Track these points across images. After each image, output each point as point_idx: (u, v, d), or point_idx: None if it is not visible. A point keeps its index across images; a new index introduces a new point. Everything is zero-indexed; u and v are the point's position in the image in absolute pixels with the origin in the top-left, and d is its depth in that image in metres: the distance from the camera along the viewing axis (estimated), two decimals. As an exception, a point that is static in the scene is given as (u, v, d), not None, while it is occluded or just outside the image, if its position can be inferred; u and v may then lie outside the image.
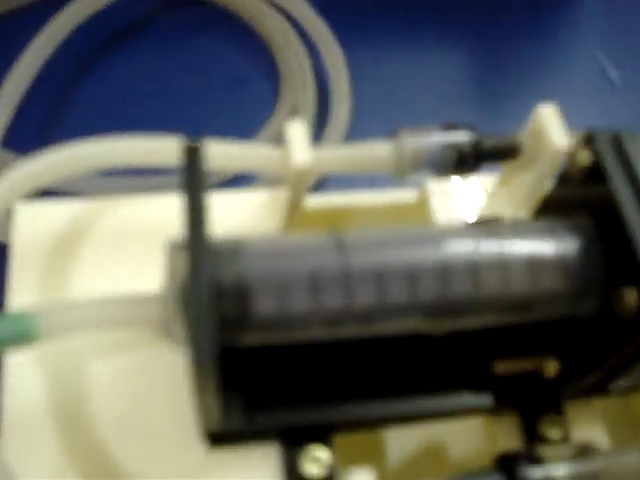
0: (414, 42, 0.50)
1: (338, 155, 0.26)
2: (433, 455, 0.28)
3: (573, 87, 0.50)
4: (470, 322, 0.23)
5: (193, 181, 0.20)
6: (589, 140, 0.24)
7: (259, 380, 0.24)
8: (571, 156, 0.25)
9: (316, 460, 0.23)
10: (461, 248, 0.22)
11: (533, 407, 0.26)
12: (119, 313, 0.22)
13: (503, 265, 0.22)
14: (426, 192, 0.30)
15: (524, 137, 0.27)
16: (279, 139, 0.27)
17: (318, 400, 0.24)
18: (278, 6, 0.47)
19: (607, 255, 0.23)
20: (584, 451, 0.24)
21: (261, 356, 0.24)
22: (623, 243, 0.22)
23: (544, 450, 0.23)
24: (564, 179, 0.25)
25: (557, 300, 0.23)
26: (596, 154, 0.23)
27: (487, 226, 0.23)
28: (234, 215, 0.28)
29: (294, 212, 0.28)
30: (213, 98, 0.46)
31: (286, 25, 0.47)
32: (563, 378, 0.25)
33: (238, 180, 0.42)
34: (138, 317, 0.22)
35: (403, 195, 0.31)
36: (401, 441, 0.28)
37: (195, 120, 0.44)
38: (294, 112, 0.45)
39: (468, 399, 0.25)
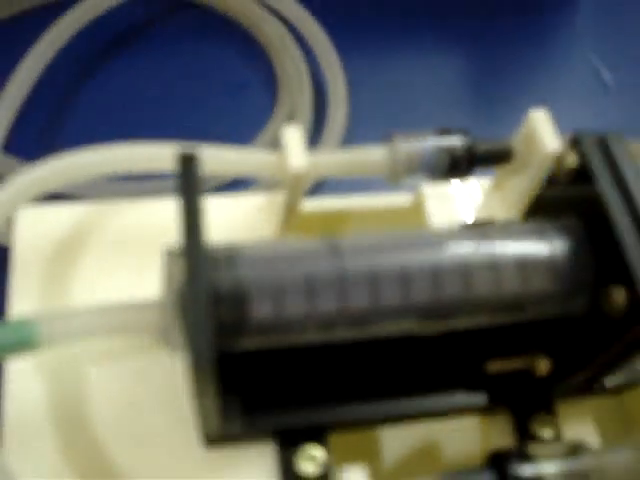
0: (410, 46, 0.51)
1: (333, 159, 0.27)
2: (427, 453, 0.28)
3: (567, 90, 0.50)
4: (463, 323, 0.24)
5: (189, 188, 0.20)
6: (575, 142, 0.24)
7: (256, 382, 0.24)
8: (558, 158, 0.25)
9: (311, 459, 0.24)
10: (453, 251, 0.23)
11: (525, 406, 0.26)
12: (118, 320, 0.22)
13: (494, 267, 0.23)
14: (421, 196, 0.31)
15: (517, 141, 0.27)
16: (277, 143, 0.28)
17: (314, 401, 0.25)
18: (276, 12, 0.48)
19: (595, 255, 0.23)
20: (575, 450, 0.24)
21: (257, 359, 0.24)
22: (611, 243, 0.22)
23: (535, 448, 0.24)
24: (552, 181, 0.26)
25: (547, 300, 0.23)
26: (582, 156, 0.24)
27: (479, 229, 0.24)
28: (232, 218, 0.29)
29: (291, 215, 0.28)
30: (213, 103, 0.46)
31: (283, 30, 0.48)
32: (554, 377, 0.25)
33: (237, 184, 0.43)
34: (137, 324, 0.22)
35: (398, 199, 0.32)
36: (396, 440, 0.28)
37: (195, 124, 0.45)
38: (291, 116, 0.46)
39: (461, 398, 0.26)
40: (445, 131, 0.27)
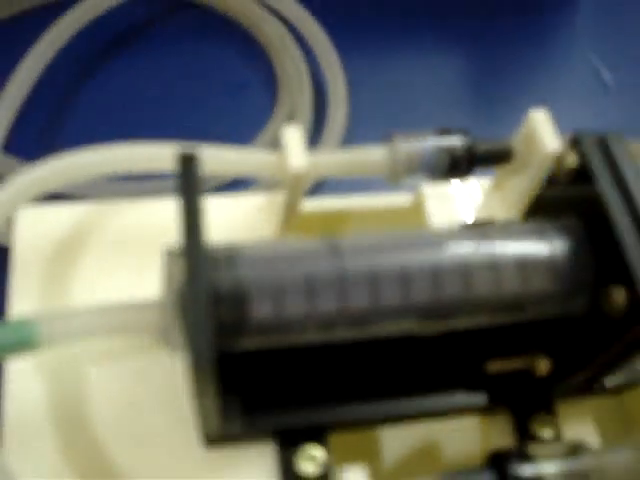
0: (410, 46, 0.51)
1: (333, 159, 0.27)
2: (427, 453, 0.28)
3: (567, 90, 0.50)
4: (463, 323, 0.24)
5: (189, 188, 0.21)
6: (575, 142, 0.24)
7: (256, 382, 0.25)
8: (558, 158, 0.25)
9: (311, 458, 0.24)
10: (453, 251, 0.23)
11: (525, 406, 0.26)
12: (118, 320, 0.22)
13: (494, 267, 0.23)
14: (421, 196, 0.31)
15: (517, 141, 0.27)
16: (277, 143, 0.28)
17: (314, 401, 0.25)
18: (276, 12, 0.48)
19: (595, 255, 0.23)
20: (575, 450, 0.24)
21: (257, 359, 0.24)
22: (611, 243, 0.22)
23: (535, 448, 0.24)
24: (552, 181, 0.26)
25: (547, 300, 0.23)
26: (582, 156, 0.24)
27: (479, 229, 0.24)
28: (232, 218, 0.29)
29: (291, 215, 0.28)
30: (213, 103, 0.46)
31: (283, 30, 0.48)
32: (554, 377, 0.25)
33: (237, 184, 0.43)
34: (137, 324, 0.22)
35: (398, 199, 0.32)
36: (396, 440, 0.28)
37: (195, 124, 0.45)
38: (291, 116, 0.46)
39: (461, 398, 0.26)
40: (445, 131, 0.27)
